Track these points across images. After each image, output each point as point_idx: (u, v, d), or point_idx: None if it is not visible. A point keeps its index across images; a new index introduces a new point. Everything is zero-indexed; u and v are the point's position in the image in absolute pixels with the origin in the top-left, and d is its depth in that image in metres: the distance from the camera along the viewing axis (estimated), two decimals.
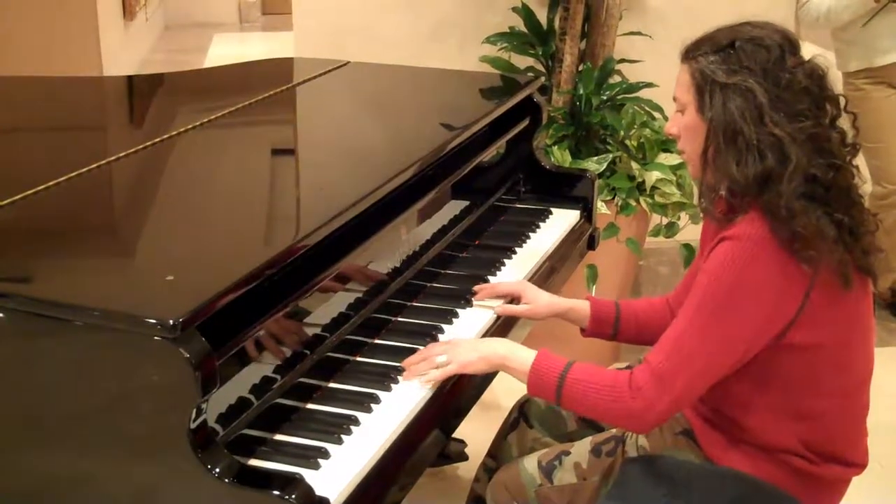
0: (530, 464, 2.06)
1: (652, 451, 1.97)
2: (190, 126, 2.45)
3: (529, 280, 2.37)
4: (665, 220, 3.45)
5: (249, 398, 1.71)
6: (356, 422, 1.77)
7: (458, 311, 2.19)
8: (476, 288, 2.26)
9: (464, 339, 2.02)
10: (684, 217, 3.44)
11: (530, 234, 2.61)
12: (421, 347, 2.01)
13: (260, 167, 2.37)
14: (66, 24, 5.73)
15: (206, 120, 2.50)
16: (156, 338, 1.47)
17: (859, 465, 1.94)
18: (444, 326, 2.12)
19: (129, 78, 3.78)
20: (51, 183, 2.03)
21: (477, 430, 2.57)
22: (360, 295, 2.03)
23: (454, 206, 2.46)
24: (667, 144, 3.40)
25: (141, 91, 3.26)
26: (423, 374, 1.90)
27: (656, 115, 3.54)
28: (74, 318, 1.54)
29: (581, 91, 3.50)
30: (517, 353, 1.91)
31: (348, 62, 3.06)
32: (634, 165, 3.37)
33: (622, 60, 3.69)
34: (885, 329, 3.90)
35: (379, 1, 4.02)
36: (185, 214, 2.02)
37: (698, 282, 1.80)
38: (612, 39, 3.66)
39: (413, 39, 3.99)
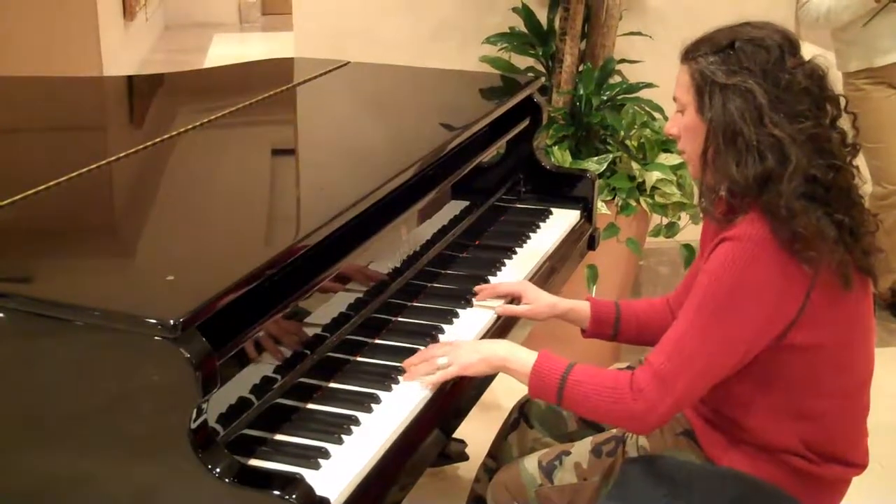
0: (531, 464, 2.06)
1: (652, 452, 1.97)
2: (190, 126, 2.45)
3: (530, 280, 2.37)
4: (665, 221, 3.45)
5: (250, 398, 1.71)
6: (356, 422, 1.77)
7: (459, 311, 2.19)
8: (477, 288, 2.26)
9: (464, 341, 2.02)
10: (684, 217, 3.45)
11: (530, 234, 2.61)
12: (421, 347, 2.01)
13: (260, 167, 2.37)
14: (66, 24, 5.73)
15: (206, 120, 2.50)
16: (156, 338, 1.47)
17: (860, 465, 1.94)
18: (445, 326, 2.12)
19: (129, 78, 3.79)
20: (51, 183, 2.03)
21: (477, 430, 2.57)
22: (360, 295, 2.03)
23: (454, 207, 2.46)
24: (667, 145, 3.40)
25: (141, 91, 3.26)
26: (424, 375, 1.90)
27: (656, 115, 3.54)
28: (75, 318, 1.54)
29: (581, 91, 3.51)
30: (518, 354, 1.90)
31: (348, 62, 3.06)
32: (635, 165, 3.37)
33: (622, 61, 3.69)
34: (886, 329, 3.90)
35: (379, 3, 4.02)
36: (185, 214, 2.02)
37: (699, 282, 1.80)
38: (613, 40, 3.66)
39: (413, 41, 3.99)
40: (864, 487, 2.08)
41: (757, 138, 1.76)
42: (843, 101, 1.85)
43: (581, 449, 2.03)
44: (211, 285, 1.57)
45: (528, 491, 2.04)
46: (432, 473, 2.89)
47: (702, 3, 3.81)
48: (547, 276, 2.49)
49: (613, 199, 3.36)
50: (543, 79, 3.58)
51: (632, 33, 3.79)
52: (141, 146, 2.30)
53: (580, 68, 3.60)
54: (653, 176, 3.34)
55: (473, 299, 2.23)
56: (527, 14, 3.74)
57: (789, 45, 1.81)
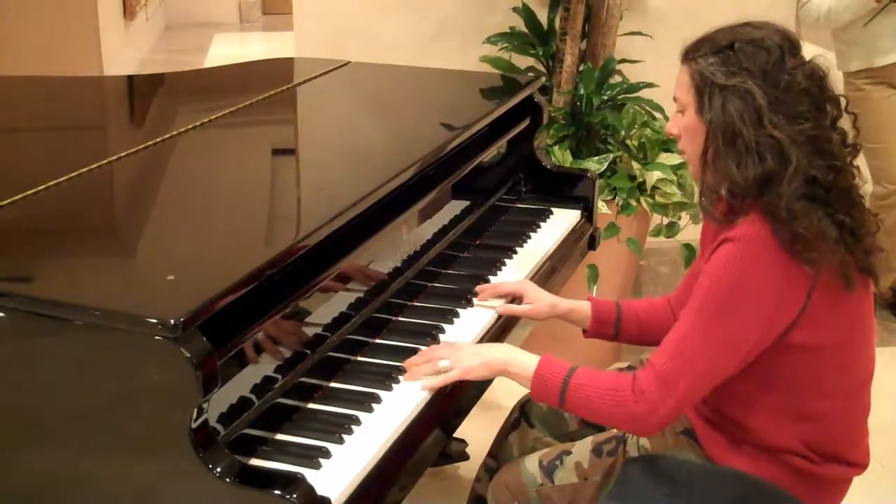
0: (531, 463, 2.06)
1: (653, 451, 1.97)
2: (190, 126, 2.44)
3: (530, 280, 2.37)
4: (666, 220, 3.45)
5: (251, 398, 1.71)
6: (357, 421, 1.77)
7: (459, 310, 2.19)
8: (478, 288, 2.26)
9: (466, 344, 2.02)
10: (685, 217, 3.44)
11: (531, 233, 2.61)
12: (422, 347, 2.01)
13: (260, 167, 2.37)
14: (66, 24, 5.73)
15: (206, 120, 2.50)
16: (157, 337, 1.47)
17: (860, 465, 1.94)
18: (445, 326, 2.12)
19: (130, 78, 3.79)
20: (51, 183, 2.03)
21: (478, 430, 2.57)
22: (361, 295, 2.03)
23: (455, 206, 2.46)
24: (667, 144, 3.40)
25: (141, 91, 3.26)
26: (425, 376, 1.90)
27: (657, 115, 3.54)
28: (75, 318, 1.54)
29: (582, 91, 3.51)
30: (520, 358, 1.90)
31: (349, 62, 3.06)
32: (635, 165, 3.37)
33: (623, 60, 3.69)
34: (886, 329, 3.90)
35: (379, 3, 4.02)
36: (185, 214, 2.02)
37: (700, 283, 1.80)
38: (613, 39, 3.66)
39: (414, 41, 3.99)
40: (865, 487, 2.08)
41: (756, 139, 1.76)
42: (843, 102, 1.85)
43: (582, 448, 2.03)
44: (211, 285, 1.57)
45: (528, 490, 2.04)
46: (433, 473, 2.89)
47: (702, 2, 3.81)
48: (547, 275, 2.49)
49: (614, 198, 3.36)
50: (544, 78, 3.58)
51: (632, 33, 3.79)
52: (141, 146, 2.30)
53: (581, 68, 3.60)
54: (653, 176, 3.34)
55: (474, 299, 2.23)
56: (527, 14, 3.74)
57: (789, 45, 1.81)
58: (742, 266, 1.75)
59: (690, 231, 3.23)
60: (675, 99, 1.89)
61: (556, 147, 3.41)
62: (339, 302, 1.96)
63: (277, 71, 3.16)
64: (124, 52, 7.46)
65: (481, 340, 2.13)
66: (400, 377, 1.91)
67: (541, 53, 3.73)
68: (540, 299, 2.22)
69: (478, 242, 2.55)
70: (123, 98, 3.21)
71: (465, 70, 3.50)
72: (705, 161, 1.83)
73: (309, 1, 4.07)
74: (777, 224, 1.74)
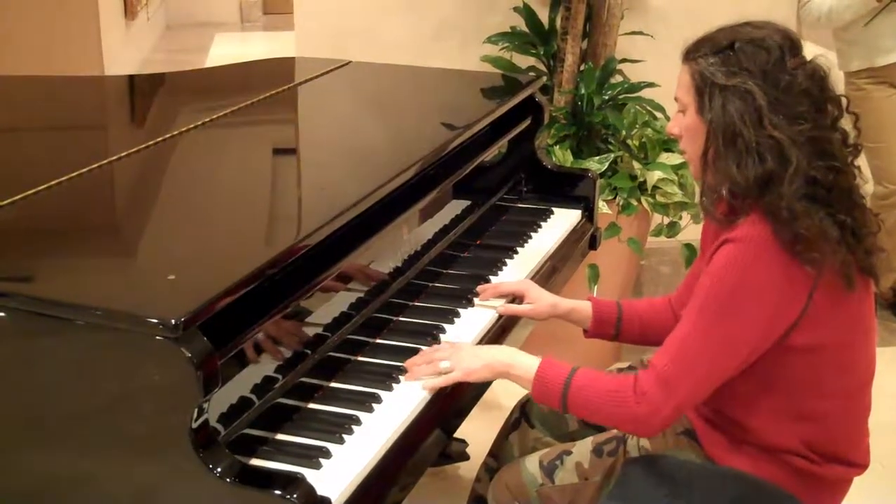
0: (532, 463, 2.06)
1: (653, 451, 1.97)
2: (191, 126, 2.44)
3: (531, 280, 2.37)
4: (667, 220, 3.45)
5: (251, 398, 1.71)
6: (358, 421, 1.77)
7: (460, 310, 2.19)
8: (479, 288, 2.26)
9: (467, 345, 2.01)
10: (686, 217, 3.44)
11: (532, 233, 2.61)
12: (423, 347, 2.01)
13: (261, 167, 2.37)
14: (67, 24, 5.73)
15: (207, 119, 2.50)
16: (157, 337, 1.47)
17: (861, 465, 1.94)
18: (446, 326, 2.12)
19: (131, 77, 3.79)
20: (52, 182, 2.03)
21: (478, 430, 2.57)
22: (361, 294, 2.03)
23: (456, 206, 2.46)
24: (668, 144, 3.39)
25: (142, 91, 3.26)
26: (426, 376, 1.90)
27: (658, 114, 3.54)
28: (76, 318, 1.54)
29: (583, 91, 3.50)
30: (521, 360, 1.90)
31: (350, 62, 3.06)
32: (636, 165, 3.37)
33: (624, 60, 3.69)
34: (887, 329, 3.90)
35: (380, 2, 4.02)
36: (186, 214, 2.02)
37: (701, 284, 1.80)
38: (614, 39, 3.65)
39: (414, 41, 3.99)
40: (865, 487, 2.08)
41: (756, 140, 1.76)
42: (844, 102, 1.85)
43: (582, 448, 2.03)
44: (212, 285, 1.57)
45: (529, 490, 2.04)
46: (433, 473, 2.89)
47: (703, 2, 3.81)
48: (548, 275, 2.49)
49: (615, 198, 3.36)
50: (545, 78, 3.58)
51: (633, 33, 3.79)
52: (142, 146, 2.30)
53: (581, 68, 3.60)
54: (654, 175, 3.34)
55: (475, 299, 2.23)
56: (528, 13, 3.73)
57: (790, 45, 1.81)
58: (743, 267, 1.75)
59: (691, 231, 3.23)
60: (676, 99, 1.89)
61: (557, 147, 3.41)
62: (340, 302, 1.96)
63: (278, 70, 3.16)
64: (125, 51, 7.46)
65: (482, 340, 2.13)
66: (400, 377, 1.91)
67: (542, 53, 3.72)
68: (541, 299, 2.22)
69: (478, 242, 2.55)
70: (124, 98, 3.21)
71: (466, 70, 3.50)
72: (706, 161, 1.83)
73: (310, 1, 4.07)
74: (778, 225, 1.74)
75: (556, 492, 2.01)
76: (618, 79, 3.66)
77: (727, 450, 1.91)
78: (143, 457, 1.55)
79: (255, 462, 1.65)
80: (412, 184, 2.16)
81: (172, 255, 1.80)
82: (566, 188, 2.81)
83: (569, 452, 2.04)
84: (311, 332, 1.87)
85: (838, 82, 1.90)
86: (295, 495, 1.48)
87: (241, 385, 1.68)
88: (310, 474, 1.61)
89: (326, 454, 1.67)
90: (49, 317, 1.55)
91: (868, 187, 3.55)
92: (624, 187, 3.34)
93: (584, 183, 2.81)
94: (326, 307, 1.91)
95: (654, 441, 1.98)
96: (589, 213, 2.80)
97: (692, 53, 1.85)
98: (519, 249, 2.52)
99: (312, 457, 1.66)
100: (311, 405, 1.83)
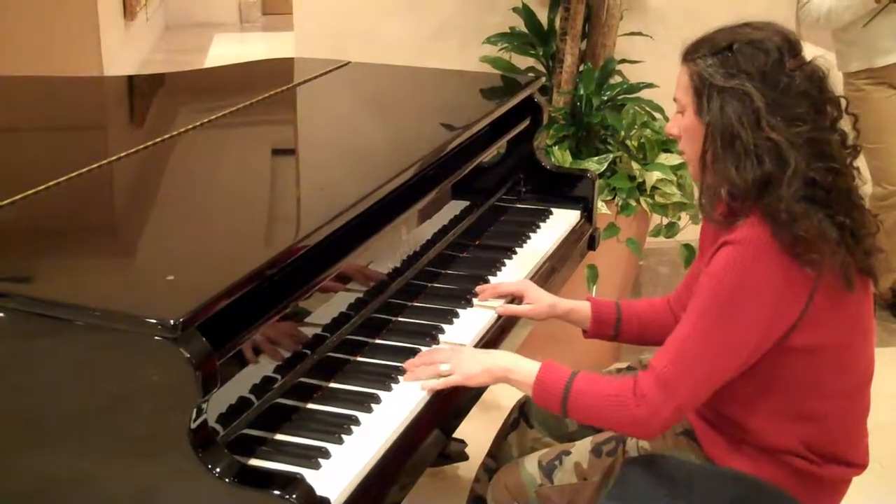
0: (531, 464, 2.06)
1: (653, 452, 1.97)
2: (190, 126, 2.45)
3: (530, 280, 2.37)
4: (665, 221, 3.45)
5: (250, 398, 1.71)
6: (357, 422, 1.77)
7: (459, 311, 2.19)
8: (478, 288, 2.26)
9: (467, 349, 2.01)
10: (685, 217, 3.44)
11: (531, 234, 2.61)
12: (422, 347, 2.01)
13: (261, 167, 2.37)
14: (66, 24, 5.73)
15: (206, 120, 2.50)
16: (156, 338, 1.47)
17: (860, 465, 1.94)
18: (445, 326, 2.12)
19: (130, 78, 3.79)
20: (51, 183, 2.03)
21: (477, 430, 2.57)
22: (360, 295, 2.03)
23: (455, 206, 2.46)
24: (667, 145, 3.39)
25: (141, 91, 3.26)
26: (425, 378, 1.90)
27: (657, 115, 3.54)
28: (75, 318, 1.54)
29: (582, 91, 3.50)
30: (521, 365, 1.90)
31: (349, 62, 3.06)
32: (635, 165, 3.37)
33: (623, 61, 3.69)
34: (886, 330, 3.90)
35: (380, 3, 4.02)
36: (185, 214, 2.02)
37: (700, 286, 1.80)
38: (613, 40, 3.66)
39: (414, 41, 3.99)
40: (865, 487, 2.08)
41: (755, 142, 1.76)
42: (843, 103, 1.85)
43: (581, 449, 2.03)
44: (211, 285, 1.57)
45: (528, 491, 2.04)
46: (432, 473, 2.89)
47: (702, 3, 3.81)
48: (547, 276, 2.49)
49: (614, 199, 3.36)
50: (544, 79, 3.58)
51: (632, 33, 3.79)
52: (141, 146, 2.30)
53: (581, 68, 3.60)
54: (653, 176, 3.34)
55: (474, 299, 2.23)
56: (527, 14, 3.74)
57: (789, 46, 1.81)
58: (742, 269, 1.75)
59: (690, 231, 3.23)
60: (674, 99, 1.89)
61: (556, 147, 3.41)
62: (339, 302, 1.96)
63: (277, 71, 3.16)
64: (124, 52, 7.46)
65: (481, 340, 2.13)
66: (399, 378, 1.91)
67: (541, 54, 3.73)
68: (540, 299, 2.22)
69: (477, 243, 2.55)
70: (123, 98, 3.21)
71: (465, 70, 3.50)
72: (704, 162, 1.83)
73: (309, 1, 4.07)
74: (777, 227, 1.74)
75: (554, 492, 2.01)
76: (617, 79, 3.66)
77: (726, 450, 1.91)
78: (142, 457, 1.55)
79: (254, 462, 1.65)
80: (411, 184, 2.16)
81: (171, 255, 1.80)
82: (565, 189, 2.81)
83: (568, 453, 2.04)
84: (310, 332, 1.87)
85: (837, 83, 1.89)
86: (294, 495, 1.48)
87: (240, 385, 1.68)
88: (309, 474, 1.61)
89: (325, 454, 1.67)
90: (48, 317, 1.55)
91: (867, 188, 3.56)
92: (623, 188, 3.34)
93: (582, 183, 2.81)
94: (325, 307, 1.91)
95: (653, 441, 1.98)
96: (588, 214, 2.80)
97: (691, 54, 1.85)
98: (518, 250, 2.52)
99: (311, 457, 1.66)
100: (311, 405, 1.83)
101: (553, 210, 2.76)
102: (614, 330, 2.19)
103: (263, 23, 10.72)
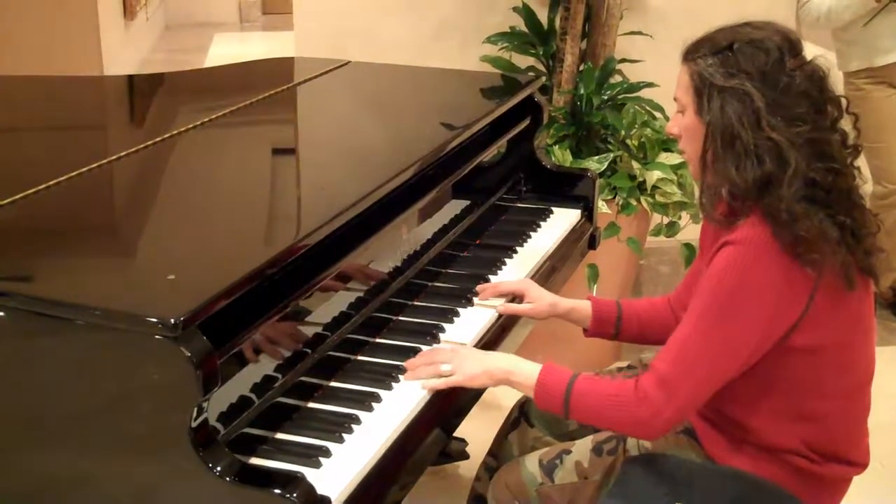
0: (531, 463, 2.06)
1: (653, 450, 1.97)
2: (191, 125, 2.45)
3: (530, 279, 2.37)
4: (666, 220, 3.45)
5: (251, 397, 1.71)
6: (357, 420, 1.77)
7: (460, 310, 2.19)
8: (479, 287, 2.26)
9: (470, 350, 2.01)
10: (685, 216, 3.44)
11: (531, 233, 2.61)
12: (422, 347, 2.01)
13: (261, 166, 2.37)
14: (66, 24, 5.73)
15: (206, 119, 2.50)
16: (157, 337, 1.47)
17: (860, 464, 1.94)
18: (446, 325, 2.12)
19: (130, 77, 3.79)
20: (51, 182, 2.03)
21: (478, 429, 2.57)
22: (361, 294, 2.03)
23: (455, 206, 2.46)
24: (668, 144, 3.39)
25: (141, 90, 3.26)
26: (425, 378, 1.90)
27: (657, 114, 3.54)
28: (76, 318, 1.54)
29: (582, 91, 3.51)
30: (522, 368, 1.90)
31: (349, 62, 3.06)
32: (635, 165, 3.37)
33: (623, 60, 3.69)
34: (886, 329, 3.90)
35: (380, 2, 4.02)
36: (186, 214, 2.02)
37: (701, 287, 1.80)
38: (613, 39, 3.66)
39: (414, 41, 3.99)
40: (865, 486, 2.08)
41: (755, 142, 1.76)
42: (844, 103, 1.85)
43: (582, 447, 2.03)
44: (212, 284, 1.57)
45: (528, 490, 2.04)
46: (433, 472, 2.89)
47: (702, 2, 3.81)
48: (548, 275, 2.49)
49: (614, 198, 3.36)
50: (544, 78, 3.58)
51: (632, 33, 3.79)
52: (141, 145, 2.30)
53: (581, 68, 3.60)
54: (653, 175, 3.34)
55: (475, 298, 2.23)
56: (527, 13, 3.74)
57: (789, 46, 1.80)
58: (743, 269, 1.75)
59: (690, 230, 3.23)
60: (675, 99, 1.89)
61: (557, 147, 3.41)
62: (340, 301, 1.96)
63: (277, 70, 3.16)
64: (124, 51, 7.46)
65: (482, 339, 2.13)
66: (400, 376, 1.91)
67: (541, 53, 3.73)
68: (541, 298, 2.22)
69: (478, 242, 2.55)
70: (123, 98, 3.21)
71: (466, 70, 3.50)
72: (705, 162, 1.83)
73: (309, 1, 4.07)
74: (778, 227, 1.74)
75: (555, 491, 2.01)
76: (617, 79, 3.66)
77: (727, 449, 1.91)
78: (142, 456, 1.55)
79: (255, 461, 1.65)
80: (411, 183, 2.16)
81: (172, 254, 1.80)
82: (565, 188, 2.81)
83: (568, 451, 2.04)
84: (310, 331, 1.87)
85: (838, 83, 1.89)
86: (295, 494, 1.48)
87: (240, 384, 1.68)
88: (310, 473, 1.61)
89: (326, 453, 1.67)
90: (49, 316, 1.55)
91: (867, 187, 3.55)
92: (623, 187, 3.34)
93: (583, 183, 2.81)
94: (326, 307, 1.91)
95: (654, 440, 1.98)
96: (588, 213, 2.80)
97: (691, 54, 1.85)
98: (518, 249, 2.52)
99: (312, 456, 1.66)
100: (311, 404, 1.83)
101: (553, 209, 2.76)
102: (615, 329, 2.19)
103: (263, 22, 10.72)
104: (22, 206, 1.93)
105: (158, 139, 2.34)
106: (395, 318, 2.13)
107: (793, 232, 1.73)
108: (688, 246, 3.37)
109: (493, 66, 3.68)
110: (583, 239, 2.75)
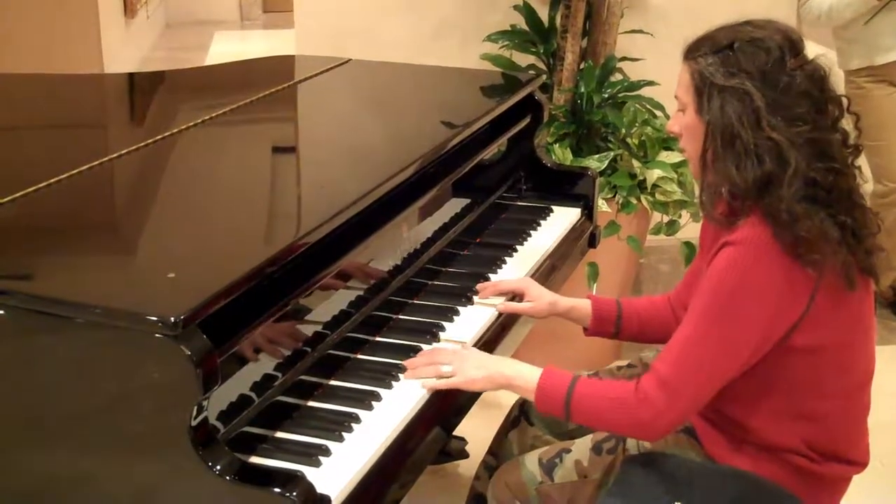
0: (531, 461, 2.06)
1: (653, 450, 1.97)
2: (191, 123, 2.44)
3: (530, 278, 2.37)
4: (666, 218, 3.45)
5: (251, 395, 1.71)
6: (357, 419, 1.77)
7: (460, 308, 2.19)
8: (479, 286, 2.26)
9: (472, 352, 2.00)
10: (685, 215, 3.44)
11: (531, 231, 2.61)
12: (422, 345, 2.01)
13: (261, 165, 2.37)
14: (67, 22, 5.73)
15: (207, 117, 2.50)
16: (157, 335, 1.47)
17: (860, 463, 1.94)
18: (446, 324, 2.12)
19: (131, 75, 3.78)
20: (52, 180, 2.03)
21: (478, 428, 2.57)
22: (361, 293, 2.03)
23: (455, 204, 2.46)
24: (668, 142, 3.39)
25: (142, 89, 3.26)
26: (426, 378, 1.90)
27: (657, 113, 3.54)
28: (76, 316, 1.54)
29: (582, 89, 3.50)
30: (522, 372, 1.90)
31: (349, 60, 3.06)
32: (635, 163, 3.37)
33: (623, 58, 3.69)
34: (886, 328, 3.90)
35: (380, 2, 4.02)
36: (186, 212, 2.02)
37: (701, 288, 1.80)
38: (614, 37, 3.65)
39: (414, 39, 3.99)
40: (865, 485, 2.08)
41: (755, 142, 1.75)
42: (845, 102, 1.84)
43: (582, 446, 2.03)
44: (212, 283, 1.57)
45: (528, 488, 2.04)
46: (433, 471, 2.89)
47: (703, 1, 3.80)
48: (548, 273, 2.49)
49: (614, 196, 3.36)
50: (544, 76, 3.58)
51: (633, 31, 3.79)
52: (142, 143, 2.30)
53: (581, 66, 3.60)
54: (654, 174, 3.34)
55: (475, 297, 2.23)
56: (528, 12, 3.74)
57: (790, 45, 1.80)
58: (743, 269, 1.74)
59: (691, 229, 3.22)
60: (676, 97, 1.89)
61: (557, 145, 3.41)
62: (340, 300, 1.96)
63: (278, 68, 3.16)
64: (125, 49, 7.46)
65: (482, 338, 2.13)
66: (400, 375, 1.91)
67: (541, 51, 3.72)
68: (541, 297, 2.22)
69: (478, 240, 2.55)
70: (124, 96, 3.21)
71: (466, 68, 3.50)
72: (705, 161, 1.83)
73: None
74: (778, 227, 1.74)
75: (555, 490, 2.01)
76: (617, 77, 3.66)
77: (727, 449, 1.91)
78: (142, 455, 1.55)
79: (255, 460, 1.64)
80: (412, 182, 2.16)
81: (172, 253, 1.80)
82: (566, 186, 2.81)
83: (568, 450, 2.04)
84: (310, 330, 1.87)
85: (839, 82, 1.89)
86: (294, 493, 1.48)
87: (240, 383, 1.68)
88: (309, 472, 1.61)
89: (326, 452, 1.67)
90: (49, 315, 1.55)
91: (868, 186, 3.55)
92: (623, 185, 3.34)
93: (583, 181, 2.81)
94: (326, 305, 1.91)
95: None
96: (588, 212, 2.80)
97: (692, 52, 1.85)
98: (518, 247, 2.52)
99: (312, 455, 1.66)
100: (311, 403, 1.83)
101: (553, 208, 2.76)
102: (615, 328, 2.19)
103: (264, 20, 10.72)
104: (22, 204, 1.93)
105: (159, 137, 2.34)
106: (395, 316, 2.13)
107: (793, 232, 1.73)
108: (688, 244, 3.37)
109: (493, 64, 3.67)
110: (583, 237, 2.75)
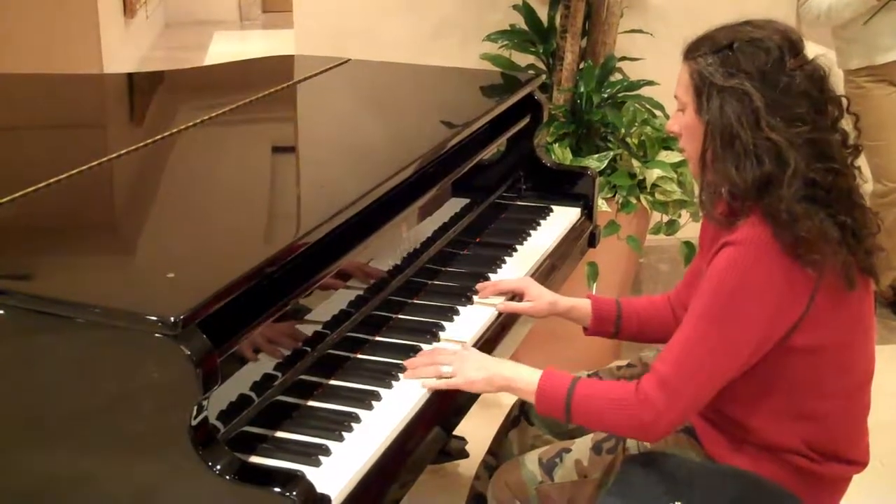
0: (531, 461, 2.06)
1: (653, 449, 1.97)
2: (191, 123, 2.44)
3: (530, 277, 2.37)
4: (666, 218, 3.45)
5: (250, 395, 1.71)
6: (357, 419, 1.77)
7: (459, 308, 2.19)
8: (479, 286, 2.26)
9: (472, 354, 2.00)
10: (685, 215, 3.44)
11: (531, 231, 2.61)
12: (422, 345, 2.01)
13: (261, 164, 2.37)
14: (66, 22, 5.73)
15: (206, 117, 2.50)
16: (157, 335, 1.47)
17: (860, 463, 1.94)
18: (445, 324, 2.12)
19: (130, 75, 3.78)
20: (52, 180, 2.02)
21: (478, 428, 2.57)
22: (360, 292, 2.03)
23: (455, 204, 2.46)
24: (668, 142, 3.39)
25: (141, 88, 3.26)
26: (425, 378, 1.90)
27: (657, 112, 3.54)
28: (75, 316, 1.54)
29: (582, 89, 3.50)
30: (522, 374, 1.90)
31: (349, 59, 3.06)
32: (635, 163, 3.37)
33: (623, 58, 3.68)
34: (886, 327, 3.90)
35: (380, 1, 4.02)
36: (186, 212, 2.02)
37: (701, 288, 1.80)
38: (613, 37, 3.65)
39: (414, 39, 3.99)
40: (865, 485, 2.08)
41: (754, 142, 1.75)
42: (845, 102, 1.84)
43: (582, 446, 2.03)
44: (212, 282, 1.57)
45: (528, 488, 2.04)
46: (433, 470, 2.89)
47: (703, 1, 3.81)
48: (547, 273, 2.49)
49: (614, 196, 3.36)
50: (544, 76, 3.58)
51: (633, 31, 3.79)
52: (141, 143, 2.30)
53: (581, 66, 3.60)
54: (653, 173, 3.34)
55: (475, 297, 2.23)
56: (527, 11, 3.74)
57: (790, 45, 1.80)
58: (743, 270, 1.74)
59: (690, 229, 3.22)
60: (675, 97, 1.89)
61: (557, 145, 3.41)
62: (339, 299, 1.96)
63: (278, 68, 3.16)
64: (124, 49, 7.46)
65: (482, 337, 2.13)
66: (400, 375, 1.91)
67: (541, 51, 3.72)
68: (540, 297, 2.22)
69: (478, 240, 2.55)
70: (123, 96, 3.21)
71: (466, 68, 3.50)
72: (704, 161, 1.83)
73: None
74: (778, 227, 1.74)
75: (555, 489, 2.01)
76: (617, 77, 3.66)
77: (727, 448, 1.91)
78: (142, 455, 1.55)
79: (255, 459, 1.64)
80: (411, 182, 2.16)
81: (172, 252, 1.80)
82: (565, 186, 2.81)
83: (568, 450, 2.04)
84: (310, 329, 1.87)
85: (839, 82, 1.89)
86: (294, 493, 1.48)
87: (240, 382, 1.68)
88: (309, 472, 1.61)
89: (326, 452, 1.67)
90: (48, 315, 1.55)
91: (868, 186, 3.56)
92: (623, 185, 3.34)
93: (583, 181, 2.81)
94: (326, 305, 1.91)
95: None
96: (588, 211, 2.80)
97: (692, 52, 1.85)
98: (518, 247, 2.52)
99: (312, 454, 1.66)
100: (311, 403, 1.83)
101: (553, 207, 2.76)
102: (615, 327, 2.19)
103: (263, 20, 10.72)
104: (22, 204, 1.93)
105: (158, 137, 2.34)
106: (394, 316, 2.13)
107: (793, 232, 1.73)
108: (687, 244, 3.37)
109: (493, 64, 3.68)
110: (582, 237, 2.75)
